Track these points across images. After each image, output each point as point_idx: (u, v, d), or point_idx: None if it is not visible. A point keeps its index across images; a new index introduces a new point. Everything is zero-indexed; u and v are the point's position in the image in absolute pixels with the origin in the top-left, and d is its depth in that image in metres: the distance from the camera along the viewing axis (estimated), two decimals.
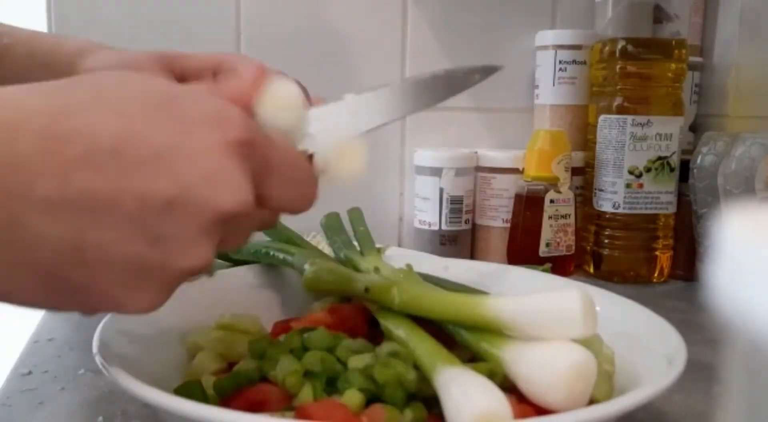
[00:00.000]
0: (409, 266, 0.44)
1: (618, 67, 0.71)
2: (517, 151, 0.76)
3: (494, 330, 0.34)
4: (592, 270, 0.75)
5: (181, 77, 0.45)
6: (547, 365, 0.31)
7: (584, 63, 0.78)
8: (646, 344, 0.39)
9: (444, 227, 0.76)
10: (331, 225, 0.52)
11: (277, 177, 0.30)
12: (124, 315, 0.28)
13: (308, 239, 0.54)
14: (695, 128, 0.80)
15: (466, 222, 0.77)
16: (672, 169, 0.71)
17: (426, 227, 0.77)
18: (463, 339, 0.36)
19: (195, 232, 0.27)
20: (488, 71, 0.40)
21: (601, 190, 0.73)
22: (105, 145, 0.25)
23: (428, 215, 0.77)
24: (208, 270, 0.29)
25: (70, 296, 0.26)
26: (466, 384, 0.31)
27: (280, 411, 0.33)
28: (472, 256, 0.79)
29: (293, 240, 0.51)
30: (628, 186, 0.71)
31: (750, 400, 0.13)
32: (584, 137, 0.78)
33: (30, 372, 0.45)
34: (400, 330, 0.37)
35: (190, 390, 0.35)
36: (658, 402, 0.41)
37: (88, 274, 0.26)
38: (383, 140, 0.81)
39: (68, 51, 0.48)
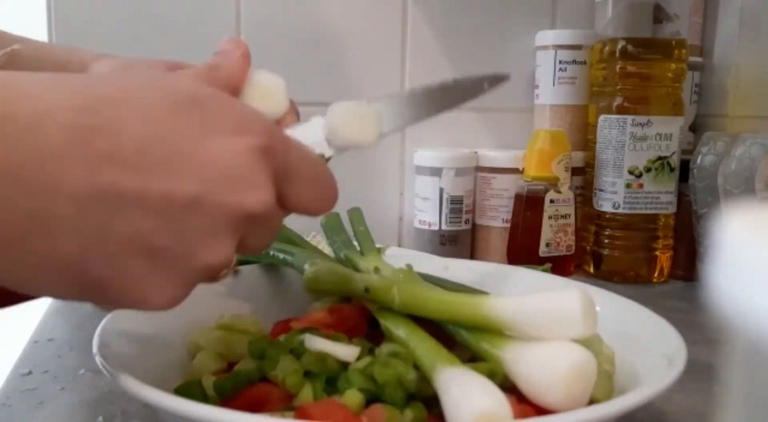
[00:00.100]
0: (409, 266, 0.44)
1: (618, 67, 0.71)
2: (517, 151, 0.76)
3: (494, 330, 0.34)
4: (592, 270, 0.75)
5: None
6: (547, 365, 0.31)
7: (584, 63, 0.78)
8: (646, 344, 0.39)
9: (444, 227, 0.76)
10: (331, 225, 0.52)
11: (298, 179, 0.31)
12: (136, 311, 0.28)
13: (308, 239, 0.53)
14: (695, 128, 0.80)
15: (466, 223, 0.77)
16: (672, 169, 0.71)
17: (426, 227, 0.77)
18: (463, 339, 0.36)
19: (218, 229, 0.27)
20: (497, 80, 0.41)
21: (601, 190, 0.73)
22: (131, 144, 0.26)
23: (428, 215, 0.77)
24: (230, 268, 0.30)
25: (92, 288, 0.26)
26: (466, 384, 0.31)
27: (280, 411, 0.33)
28: (472, 256, 0.78)
29: (293, 240, 0.51)
30: (628, 186, 0.71)
31: (750, 400, 0.13)
32: (584, 137, 0.78)
33: (30, 372, 0.45)
34: (400, 330, 0.37)
35: (190, 390, 0.35)
36: (658, 402, 0.41)
37: (113, 267, 0.26)
38: (383, 140, 0.81)
39: (81, 58, 0.48)
